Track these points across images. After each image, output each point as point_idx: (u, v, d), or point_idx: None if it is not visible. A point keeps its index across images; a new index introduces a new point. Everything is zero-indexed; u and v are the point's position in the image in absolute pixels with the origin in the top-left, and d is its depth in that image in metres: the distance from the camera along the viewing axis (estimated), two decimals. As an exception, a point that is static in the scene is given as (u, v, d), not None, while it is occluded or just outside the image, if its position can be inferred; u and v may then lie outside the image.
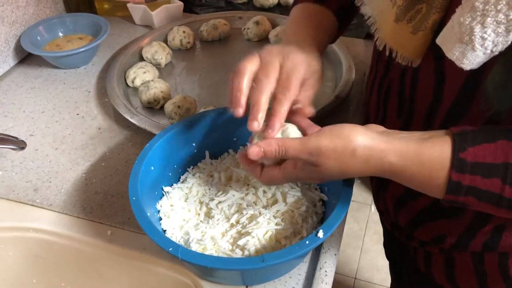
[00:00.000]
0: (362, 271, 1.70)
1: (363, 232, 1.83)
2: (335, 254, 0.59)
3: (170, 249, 0.49)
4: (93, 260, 0.64)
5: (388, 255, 0.95)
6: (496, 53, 0.40)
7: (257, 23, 1.01)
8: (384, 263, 1.73)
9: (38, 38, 0.97)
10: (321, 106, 0.78)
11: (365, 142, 0.46)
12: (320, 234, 0.50)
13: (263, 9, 1.18)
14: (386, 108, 0.63)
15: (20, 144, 0.66)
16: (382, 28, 0.54)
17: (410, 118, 0.58)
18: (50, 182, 0.71)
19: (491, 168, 0.42)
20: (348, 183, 0.54)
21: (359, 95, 0.85)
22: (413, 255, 0.72)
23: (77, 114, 0.84)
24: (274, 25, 1.04)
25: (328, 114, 0.77)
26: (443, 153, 0.44)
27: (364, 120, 0.78)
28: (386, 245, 0.94)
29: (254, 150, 0.51)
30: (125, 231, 0.63)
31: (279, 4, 1.20)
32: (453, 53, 0.42)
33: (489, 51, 0.40)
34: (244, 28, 1.03)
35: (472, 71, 0.43)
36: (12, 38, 0.95)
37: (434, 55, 0.50)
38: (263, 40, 1.03)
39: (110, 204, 0.67)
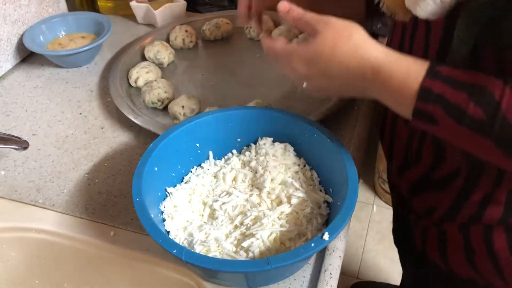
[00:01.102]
0: (364, 271, 1.69)
1: (365, 232, 1.82)
2: (340, 256, 0.58)
3: (174, 251, 0.48)
4: (96, 261, 0.64)
5: (396, 241, 0.97)
6: (447, 5, 0.46)
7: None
8: (387, 263, 1.74)
9: (41, 37, 0.97)
10: (325, 105, 0.77)
11: (363, 33, 0.51)
12: (326, 236, 0.49)
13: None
14: None
15: (22, 144, 0.66)
16: None
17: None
18: (53, 182, 0.71)
19: (461, 85, 0.45)
20: (353, 184, 0.54)
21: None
22: (413, 233, 0.75)
23: (80, 114, 0.84)
24: (276, 24, 1.03)
25: (332, 114, 0.77)
26: (422, 64, 0.47)
27: (371, 121, 0.78)
28: (395, 230, 0.97)
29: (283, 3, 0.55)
30: (128, 232, 0.63)
31: (282, 3, 1.19)
32: (409, 1, 0.49)
33: (438, 1, 0.46)
34: (247, 27, 1.02)
35: (446, 26, 0.50)
36: (14, 37, 0.94)
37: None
38: (266, 39, 1.02)
39: (113, 204, 0.67)
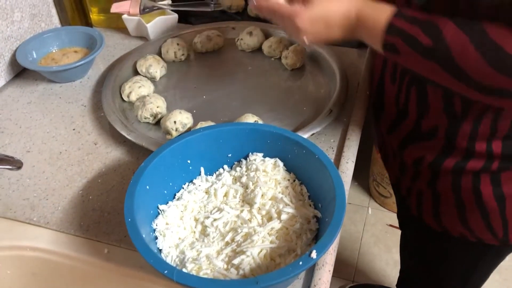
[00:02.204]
0: (359, 274, 1.71)
1: (360, 235, 1.83)
2: (330, 270, 0.59)
3: (165, 272, 0.49)
4: (91, 278, 0.65)
5: (400, 222, 1.07)
6: None
7: (250, 33, 1.02)
8: (382, 266, 1.75)
9: (34, 52, 0.98)
10: (315, 119, 0.79)
11: None
12: (314, 254, 0.50)
13: (257, 19, 1.18)
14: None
15: (16, 164, 0.67)
16: None
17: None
18: (47, 199, 0.72)
19: (418, 21, 0.56)
20: (340, 202, 0.55)
21: (354, 104, 0.86)
22: (409, 201, 0.83)
23: (73, 129, 0.85)
24: (267, 36, 1.04)
25: (322, 127, 0.78)
26: (392, 8, 0.58)
27: (357, 131, 0.80)
28: (399, 212, 1.07)
29: None
30: (122, 249, 0.64)
31: (273, 13, 1.20)
32: None
33: None
34: (238, 39, 1.04)
35: None
36: (7, 52, 0.95)
37: None
38: (256, 50, 1.04)
39: (106, 221, 0.68)
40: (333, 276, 0.60)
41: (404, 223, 1.06)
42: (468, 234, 0.76)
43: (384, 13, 0.58)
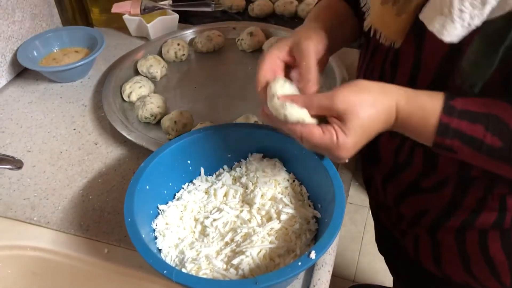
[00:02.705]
0: (360, 274, 1.71)
1: (361, 235, 1.83)
2: (329, 271, 0.60)
3: (165, 272, 0.50)
4: (90, 278, 0.65)
5: (381, 250, 0.98)
6: (473, 27, 0.45)
7: (251, 34, 1.02)
8: (383, 266, 1.74)
9: (35, 52, 0.98)
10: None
11: (376, 85, 0.52)
12: (313, 255, 0.50)
13: (258, 19, 1.18)
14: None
15: (17, 164, 0.67)
16: (371, 12, 0.58)
17: None
18: (47, 199, 0.72)
19: (476, 116, 0.48)
20: (339, 203, 0.55)
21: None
22: (402, 242, 0.75)
23: (74, 129, 0.85)
24: (268, 36, 1.04)
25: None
26: (436, 99, 0.50)
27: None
28: (378, 239, 0.97)
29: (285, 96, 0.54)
30: (122, 249, 0.64)
31: (274, 14, 1.20)
32: (433, 25, 0.47)
33: (466, 24, 0.45)
34: (238, 39, 1.04)
35: (448, 52, 0.51)
36: (8, 52, 0.96)
37: (415, 36, 0.55)
38: (257, 51, 1.04)
39: (106, 221, 0.68)
40: (333, 276, 0.60)
41: (396, 265, 0.94)
42: (472, 282, 0.69)
43: (430, 107, 0.50)
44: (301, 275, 0.60)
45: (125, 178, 0.75)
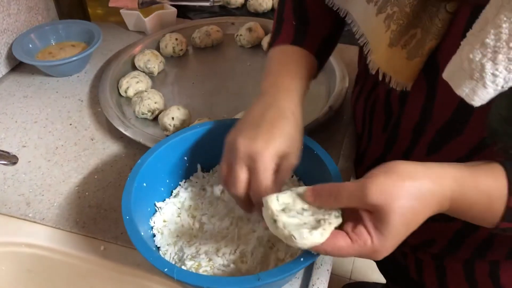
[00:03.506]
0: (356, 272, 1.71)
1: (358, 232, 1.83)
2: (328, 270, 0.59)
3: (166, 270, 0.49)
4: (87, 275, 0.64)
5: (380, 267, 0.95)
6: (506, 89, 0.40)
7: (249, 29, 1.01)
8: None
9: (30, 45, 0.97)
10: (315, 117, 0.78)
11: (420, 169, 0.43)
12: (314, 251, 0.50)
13: (257, 14, 1.17)
14: (372, 121, 0.63)
15: (11, 159, 0.65)
16: (375, 51, 0.53)
17: (396, 133, 0.59)
18: (43, 195, 0.71)
19: None
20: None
21: (352, 104, 0.85)
22: (404, 262, 0.72)
23: (70, 124, 0.84)
24: (267, 32, 1.03)
25: (322, 124, 0.77)
26: (498, 180, 0.43)
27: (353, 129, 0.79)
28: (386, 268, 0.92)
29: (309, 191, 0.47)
30: (118, 246, 0.63)
31: (273, 9, 1.19)
32: (462, 90, 0.41)
33: (499, 88, 0.39)
34: (237, 35, 1.03)
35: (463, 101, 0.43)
36: (3, 46, 0.94)
37: (426, 77, 0.50)
38: (256, 46, 1.03)
39: (103, 218, 0.67)
40: (330, 272, 0.60)
41: (393, 278, 0.87)
42: None
43: (495, 194, 0.43)
44: (300, 274, 0.59)
45: (122, 175, 0.74)
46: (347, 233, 0.43)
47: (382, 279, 1.64)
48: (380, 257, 0.43)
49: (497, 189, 0.43)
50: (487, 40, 0.38)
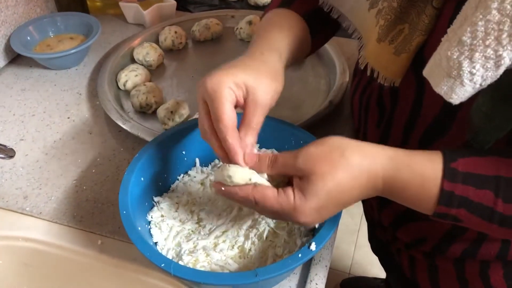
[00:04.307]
0: (355, 266, 1.71)
1: (357, 227, 1.83)
2: (326, 266, 0.59)
3: (162, 265, 0.48)
4: (84, 270, 0.64)
5: (374, 251, 0.95)
6: (485, 86, 0.39)
7: (249, 22, 1.00)
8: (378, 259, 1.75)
9: (28, 38, 0.96)
10: (314, 111, 0.77)
11: (347, 143, 0.45)
12: (313, 246, 0.49)
13: (257, 7, 1.16)
14: (367, 115, 0.62)
15: (8, 153, 0.65)
16: (366, 46, 0.53)
17: (389, 128, 0.58)
18: (40, 189, 0.70)
19: (483, 179, 0.41)
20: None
21: (353, 98, 0.85)
22: (398, 258, 0.72)
23: (68, 118, 0.84)
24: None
25: (322, 119, 0.77)
26: (434, 162, 0.43)
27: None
28: (372, 242, 0.94)
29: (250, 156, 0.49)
30: (116, 241, 0.63)
31: (273, 2, 1.18)
32: (441, 88, 0.41)
33: (478, 86, 0.39)
34: (237, 28, 1.02)
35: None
36: (1, 38, 0.93)
37: (415, 73, 0.49)
38: (256, 40, 1.02)
39: (100, 212, 0.67)
40: (329, 268, 0.59)
41: (388, 266, 0.88)
42: None
43: (429, 174, 0.43)
44: (298, 270, 0.59)
45: (120, 169, 0.73)
46: (278, 189, 0.47)
47: (381, 274, 1.65)
48: (301, 218, 0.45)
49: (432, 170, 0.43)
50: (464, 38, 0.37)
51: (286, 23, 0.60)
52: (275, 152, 0.66)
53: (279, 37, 0.58)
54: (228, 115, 0.48)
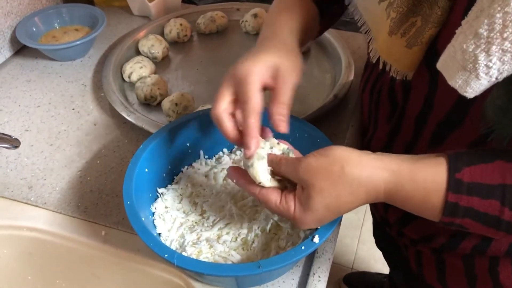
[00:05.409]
0: (359, 261, 1.71)
1: (360, 222, 1.83)
2: (329, 259, 0.59)
3: (166, 256, 0.49)
4: (87, 260, 0.64)
5: (379, 246, 0.95)
6: (500, 79, 0.38)
7: (255, 15, 1.00)
8: (381, 254, 1.75)
9: (34, 29, 0.96)
10: (319, 105, 0.77)
11: (349, 156, 0.45)
12: (316, 239, 0.49)
13: (263, 0, 1.16)
14: (377, 110, 0.62)
15: (14, 143, 0.65)
16: (376, 39, 0.52)
17: (400, 123, 0.58)
18: (45, 179, 0.71)
19: (489, 189, 0.41)
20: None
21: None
22: (405, 253, 0.72)
23: (73, 109, 0.84)
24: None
25: (326, 113, 0.77)
26: (438, 173, 0.42)
27: (360, 119, 0.78)
28: (376, 236, 0.94)
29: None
30: (119, 232, 0.63)
31: (279, -5, 1.18)
32: (455, 81, 0.40)
33: (494, 79, 0.38)
34: (242, 21, 1.01)
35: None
36: (7, 29, 0.93)
37: (428, 66, 0.49)
38: (261, 33, 1.02)
39: (104, 203, 0.67)
40: (332, 263, 0.59)
41: (392, 259, 0.88)
42: None
43: (432, 185, 0.42)
44: (301, 263, 0.59)
45: (124, 160, 0.73)
46: (282, 194, 0.49)
47: (384, 269, 1.65)
48: (302, 227, 0.48)
49: (434, 183, 0.42)
50: (481, 31, 0.36)
51: (296, 2, 0.61)
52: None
53: (290, 18, 0.59)
54: (256, 98, 0.49)
